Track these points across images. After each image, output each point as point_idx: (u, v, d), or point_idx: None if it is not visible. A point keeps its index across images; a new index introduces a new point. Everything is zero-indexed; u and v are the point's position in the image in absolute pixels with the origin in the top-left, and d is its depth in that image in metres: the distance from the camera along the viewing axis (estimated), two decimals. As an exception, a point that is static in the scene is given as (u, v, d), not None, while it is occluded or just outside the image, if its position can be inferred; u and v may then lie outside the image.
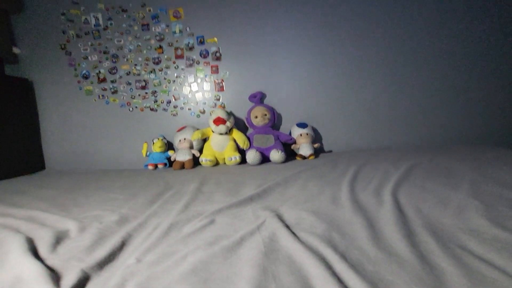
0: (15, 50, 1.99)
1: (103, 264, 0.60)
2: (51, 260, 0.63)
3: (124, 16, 1.98)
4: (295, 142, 1.90)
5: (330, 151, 2.04)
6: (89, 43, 2.01)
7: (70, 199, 1.21)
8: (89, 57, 2.02)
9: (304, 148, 1.81)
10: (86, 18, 1.99)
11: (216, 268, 0.55)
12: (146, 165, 1.87)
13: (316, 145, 1.87)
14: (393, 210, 0.78)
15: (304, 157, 1.79)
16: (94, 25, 1.99)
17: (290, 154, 1.88)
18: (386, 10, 1.90)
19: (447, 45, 1.90)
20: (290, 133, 1.96)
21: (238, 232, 0.71)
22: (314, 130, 1.99)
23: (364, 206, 0.85)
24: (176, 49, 1.99)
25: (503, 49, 1.89)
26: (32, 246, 0.70)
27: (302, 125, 1.92)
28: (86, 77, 2.03)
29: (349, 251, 0.59)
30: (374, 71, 1.96)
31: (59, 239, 0.76)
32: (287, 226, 0.73)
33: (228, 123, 1.79)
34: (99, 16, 1.98)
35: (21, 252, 0.65)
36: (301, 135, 1.88)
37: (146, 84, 2.03)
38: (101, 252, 0.65)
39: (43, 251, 0.68)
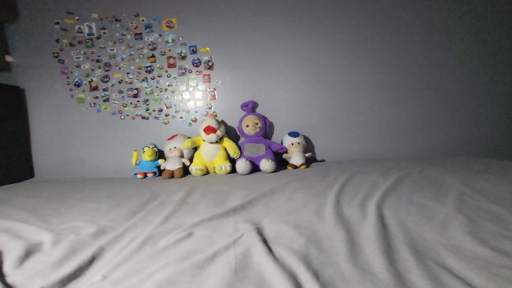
0: (8, 58, 1.99)
1: (66, 281, 0.58)
2: (14, 277, 0.60)
3: (118, 25, 1.99)
4: (286, 151, 1.88)
5: (323, 161, 2.02)
6: (82, 52, 2.01)
7: (51, 209, 1.18)
8: (82, 65, 2.02)
9: (296, 157, 1.79)
10: (79, 27, 2.00)
11: (181, 287, 0.52)
12: (135, 174, 1.84)
13: (307, 155, 1.85)
14: (376, 224, 0.76)
15: (295, 167, 1.77)
16: (88, 34, 2.00)
17: (282, 163, 1.85)
18: (382, 21, 1.90)
19: (440, 57, 1.91)
20: (281, 142, 1.94)
21: (213, 247, 0.68)
22: (306, 139, 1.98)
23: (347, 219, 0.83)
24: (169, 58, 2.00)
25: (493, 64, 1.89)
26: (-2, 260, 0.68)
27: (293, 134, 1.91)
28: (78, 85, 2.03)
29: (324, 269, 0.56)
30: (367, 81, 1.95)
31: (29, 252, 0.74)
32: (265, 241, 0.70)
33: (218, 132, 1.78)
34: (93, 25, 2.00)
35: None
36: (292, 144, 1.87)
37: (138, 93, 2.02)
38: (68, 267, 0.63)
39: (8, 266, 0.66)
